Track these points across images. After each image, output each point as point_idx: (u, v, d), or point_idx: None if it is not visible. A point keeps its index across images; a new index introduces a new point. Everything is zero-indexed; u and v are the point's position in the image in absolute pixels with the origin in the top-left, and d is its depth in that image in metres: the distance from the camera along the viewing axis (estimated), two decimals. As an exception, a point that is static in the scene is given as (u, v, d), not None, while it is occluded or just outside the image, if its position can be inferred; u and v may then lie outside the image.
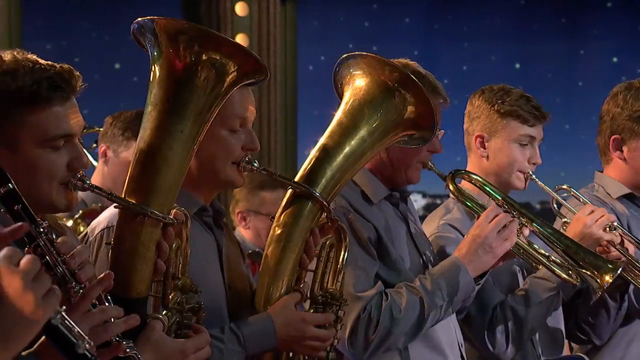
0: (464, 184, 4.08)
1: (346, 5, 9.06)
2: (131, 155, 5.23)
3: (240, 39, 8.38)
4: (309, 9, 8.95)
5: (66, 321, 2.00)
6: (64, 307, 2.01)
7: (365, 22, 9.11)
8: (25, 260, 1.92)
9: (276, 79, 8.34)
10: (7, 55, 2.67)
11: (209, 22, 8.18)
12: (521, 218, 3.81)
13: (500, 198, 3.90)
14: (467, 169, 4.20)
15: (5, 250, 1.92)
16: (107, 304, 2.36)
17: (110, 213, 3.04)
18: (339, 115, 3.34)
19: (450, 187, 3.88)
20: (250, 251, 5.42)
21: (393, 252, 3.64)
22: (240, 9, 8.40)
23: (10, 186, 2.27)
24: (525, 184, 4.21)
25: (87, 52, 8.38)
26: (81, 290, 2.30)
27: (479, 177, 3.98)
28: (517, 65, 9.38)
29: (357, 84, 3.35)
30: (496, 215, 3.69)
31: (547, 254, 3.83)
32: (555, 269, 3.80)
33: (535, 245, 3.82)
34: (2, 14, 7.47)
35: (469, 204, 3.87)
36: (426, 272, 3.66)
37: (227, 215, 6.24)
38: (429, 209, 8.55)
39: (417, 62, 3.71)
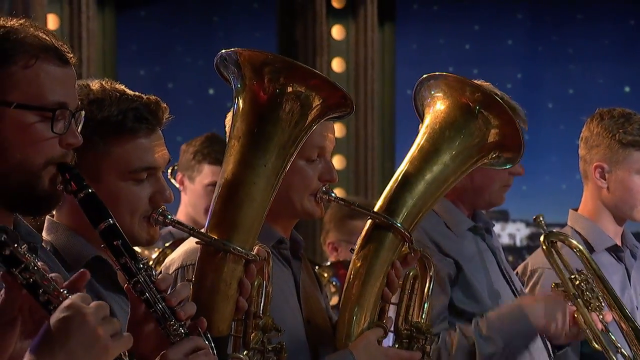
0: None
1: (446, 28, 9.01)
2: (205, 178, 5.39)
3: (337, 63, 8.41)
4: (408, 31, 8.93)
5: None
6: None
7: (466, 45, 9.05)
8: (94, 302, 1.97)
9: (373, 103, 8.34)
10: (95, 85, 2.71)
11: (304, 46, 8.22)
12: (612, 305, 3.76)
13: (597, 276, 3.80)
14: (582, 200, 4.16)
15: (77, 295, 1.97)
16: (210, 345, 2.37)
17: (184, 250, 3.06)
18: (419, 139, 3.31)
19: (544, 247, 3.78)
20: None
21: (475, 283, 3.63)
22: (336, 33, 8.43)
23: (111, 221, 2.31)
24: None
25: (180, 78, 8.49)
26: (181, 329, 2.32)
27: (580, 246, 3.86)
28: (627, 89, 9.22)
29: (437, 106, 3.32)
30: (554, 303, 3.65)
31: (618, 345, 3.72)
32: None
33: (611, 334, 3.72)
34: (96, 40, 7.62)
35: (558, 273, 3.76)
36: (484, 316, 3.61)
37: (317, 246, 6.26)
38: (532, 238, 8.43)
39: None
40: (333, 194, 3.16)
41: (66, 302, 1.95)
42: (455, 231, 3.67)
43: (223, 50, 2.85)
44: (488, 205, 3.76)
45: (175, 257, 3.08)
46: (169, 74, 8.50)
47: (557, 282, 3.73)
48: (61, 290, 1.99)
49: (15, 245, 1.97)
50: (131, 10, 8.41)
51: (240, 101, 2.83)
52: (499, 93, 3.58)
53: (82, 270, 2.06)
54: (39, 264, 2.00)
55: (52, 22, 7.32)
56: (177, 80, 8.50)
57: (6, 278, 1.98)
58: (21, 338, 2.01)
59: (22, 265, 1.96)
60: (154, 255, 4.72)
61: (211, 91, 8.42)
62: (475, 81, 3.52)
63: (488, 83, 3.60)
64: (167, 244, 4.85)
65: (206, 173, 5.38)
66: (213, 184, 5.29)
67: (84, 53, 7.25)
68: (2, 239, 1.96)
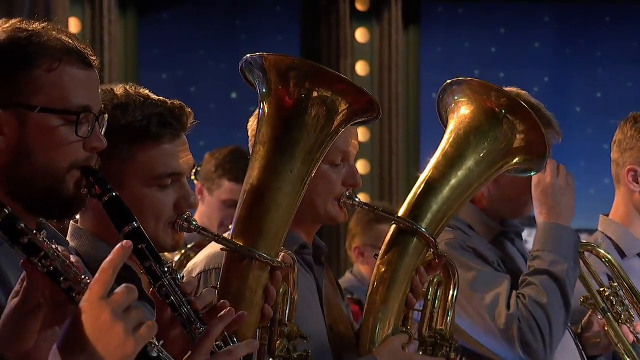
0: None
1: (471, 30, 9.00)
2: (223, 194, 5.39)
3: (361, 66, 8.42)
4: (433, 34, 8.93)
5: (163, 354, 2.02)
6: (162, 342, 2.04)
7: (492, 48, 9.04)
8: (117, 292, 1.96)
9: (398, 107, 8.34)
10: (120, 89, 2.72)
11: (328, 49, 8.23)
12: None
13: (627, 285, 3.80)
14: (614, 204, 4.13)
15: (96, 278, 1.97)
16: (232, 343, 2.34)
17: (207, 254, 3.07)
18: (443, 145, 3.32)
19: None
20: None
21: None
22: (360, 36, 8.43)
23: (135, 225, 2.31)
24: None
25: (203, 82, 8.51)
26: None
27: (609, 255, 3.85)
28: (656, 92, 9.19)
29: (462, 112, 3.32)
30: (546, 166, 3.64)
31: None
32: None
33: None
34: (118, 44, 7.65)
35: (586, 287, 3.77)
36: (531, 254, 3.65)
37: (341, 252, 6.26)
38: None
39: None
40: (357, 199, 3.17)
41: (83, 302, 1.95)
42: (484, 237, 3.69)
43: (248, 55, 2.85)
44: (516, 215, 3.78)
45: (198, 261, 3.09)
46: (191, 78, 8.52)
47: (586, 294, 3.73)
48: (83, 276, 1.99)
49: (34, 232, 1.98)
50: (153, 13, 8.45)
51: (266, 106, 2.84)
52: (534, 102, 3.59)
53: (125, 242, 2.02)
54: (59, 249, 2.00)
55: (74, 25, 7.35)
56: (199, 84, 8.52)
57: (27, 266, 1.98)
58: (45, 325, 2.02)
59: (42, 253, 1.97)
60: (177, 258, 4.74)
61: (234, 95, 8.44)
62: (511, 88, 3.53)
63: (525, 92, 3.62)
64: (189, 246, 4.87)
65: (225, 189, 5.39)
66: (230, 201, 5.29)
67: (106, 57, 7.28)
68: (20, 227, 1.97)
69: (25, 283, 2.00)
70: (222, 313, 2.31)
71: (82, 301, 1.95)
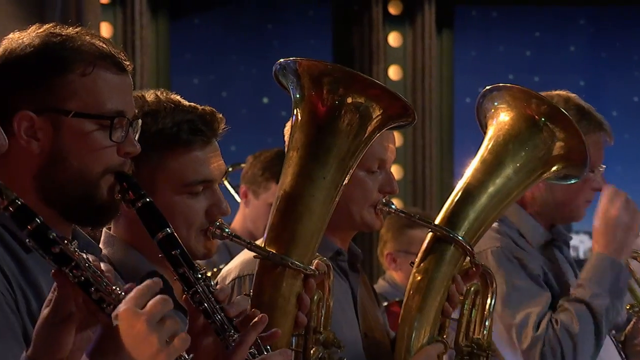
0: None
1: (506, 34, 8.97)
2: (270, 197, 5.36)
3: (394, 70, 8.39)
4: (466, 38, 8.89)
5: None
6: (192, 355, 2.04)
7: (526, 52, 9.00)
8: (151, 302, 1.95)
9: (431, 112, 8.31)
10: (150, 96, 2.72)
11: (361, 53, 8.21)
12: None
13: None
14: None
15: (132, 293, 1.96)
16: (265, 352, 2.33)
17: (240, 261, 3.07)
18: (481, 152, 3.31)
19: None
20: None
21: (557, 292, 3.65)
22: (393, 40, 8.41)
23: (169, 230, 2.31)
24: None
25: (235, 87, 8.52)
26: None
27: None
28: (694, 96, 9.12)
29: (501, 118, 3.32)
30: (616, 194, 3.64)
31: None
32: None
33: None
34: (150, 49, 7.67)
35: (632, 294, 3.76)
36: (577, 282, 3.63)
37: (373, 259, 6.22)
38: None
39: (584, 94, 3.68)
40: (393, 206, 3.17)
41: (119, 310, 1.95)
42: (532, 244, 3.68)
43: (282, 60, 2.85)
44: (568, 220, 3.78)
45: (232, 267, 3.09)
46: (223, 82, 8.53)
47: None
48: (114, 287, 1.99)
49: (65, 242, 1.98)
50: (185, 18, 8.47)
51: (299, 112, 2.84)
52: (585, 105, 3.58)
53: (154, 280, 2.02)
54: (90, 258, 2.00)
55: (106, 30, 7.38)
56: (231, 88, 8.53)
57: (57, 276, 1.99)
58: (80, 331, 2.02)
59: (73, 263, 1.97)
60: (209, 273, 4.73)
61: (265, 100, 8.45)
62: (559, 92, 3.52)
63: (574, 95, 3.60)
64: (220, 266, 4.86)
65: (273, 192, 5.36)
66: None
67: (138, 62, 7.29)
68: (52, 236, 1.97)
69: (55, 293, 2.00)
70: (255, 320, 2.29)
71: (117, 309, 1.95)
